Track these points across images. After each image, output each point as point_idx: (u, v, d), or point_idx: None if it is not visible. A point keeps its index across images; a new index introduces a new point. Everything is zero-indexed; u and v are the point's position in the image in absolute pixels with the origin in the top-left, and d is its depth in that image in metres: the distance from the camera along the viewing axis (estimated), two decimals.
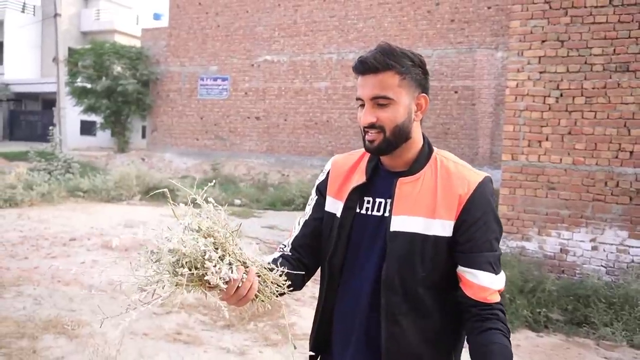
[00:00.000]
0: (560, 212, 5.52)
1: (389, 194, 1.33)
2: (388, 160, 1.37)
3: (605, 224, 5.33)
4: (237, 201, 11.81)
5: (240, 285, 1.15)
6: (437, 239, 1.27)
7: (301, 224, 1.49)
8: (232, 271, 1.13)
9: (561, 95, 5.49)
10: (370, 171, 1.39)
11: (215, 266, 1.11)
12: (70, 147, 17.49)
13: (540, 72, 5.59)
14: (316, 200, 1.49)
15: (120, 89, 18.22)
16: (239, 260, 1.16)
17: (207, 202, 1.19)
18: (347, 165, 1.46)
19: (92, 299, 4.66)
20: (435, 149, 1.39)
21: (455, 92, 14.24)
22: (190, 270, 1.10)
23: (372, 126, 1.29)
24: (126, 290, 1.14)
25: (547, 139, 5.56)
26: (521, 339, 4.46)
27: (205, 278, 1.10)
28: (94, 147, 25.58)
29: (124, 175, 11.64)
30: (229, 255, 1.15)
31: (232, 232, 1.17)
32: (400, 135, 1.30)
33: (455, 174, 1.31)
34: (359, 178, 1.40)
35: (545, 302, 4.85)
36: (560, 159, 5.51)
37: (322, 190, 1.48)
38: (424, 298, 1.29)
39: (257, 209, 11.30)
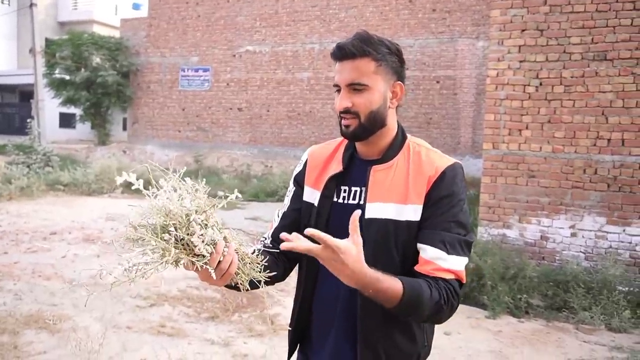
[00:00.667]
0: (540, 200, 5.60)
1: (363, 182, 1.35)
2: (363, 148, 1.39)
3: (584, 211, 5.42)
4: (220, 193, 11.74)
5: (221, 259, 1.13)
6: (409, 224, 1.29)
7: (280, 215, 1.50)
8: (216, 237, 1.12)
9: (540, 84, 5.55)
10: (346, 160, 1.41)
11: (200, 230, 1.10)
12: (50, 140, 17.23)
13: (520, 61, 5.64)
14: (294, 192, 1.50)
15: (99, 81, 17.93)
16: (220, 232, 1.15)
17: (184, 179, 1.18)
18: (324, 155, 1.47)
19: (74, 293, 4.62)
20: (408, 136, 1.41)
21: (437, 81, 14.30)
22: (176, 232, 1.09)
23: (347, 111, 1.30)
24: (112, 273, 1.09)
25: (527, 128, 5.62)
26: (503, 324, 4.53)
27: (192, 240, 1.08)
28: (73, 140, 25.19)
29: (104, 168, 11.50)
30: (212, 224, 1.14)
31: (213, 204, 1.16)
32: (375, 121, 1.32)
33: (426, 160, 1.34)
34: (336, 167, 1.41)
35: (526, 289, 4.93)
36: (540, 147, 5.57)
37: (299, 181, 1.49)
38: None
39: (241, 201, 11.27)
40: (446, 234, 1.27)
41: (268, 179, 13.01)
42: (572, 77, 5.41)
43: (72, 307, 4.32)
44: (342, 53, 1.30)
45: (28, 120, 14.17)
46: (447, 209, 1.28)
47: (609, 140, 5.29)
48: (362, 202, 1.34)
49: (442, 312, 1.24)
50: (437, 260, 1.26)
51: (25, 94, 27.22)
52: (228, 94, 17.02)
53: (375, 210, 1.31)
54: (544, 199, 5.58)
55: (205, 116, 17.41)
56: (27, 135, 13.57)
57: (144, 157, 17.06)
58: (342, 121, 1.33)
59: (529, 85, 5.60)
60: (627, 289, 4.83)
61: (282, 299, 4.43)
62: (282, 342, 3.80)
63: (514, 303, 4.77)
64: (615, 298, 4.61)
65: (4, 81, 27.76)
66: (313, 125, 15.71)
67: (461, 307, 4.85)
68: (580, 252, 5.44)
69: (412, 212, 1.29)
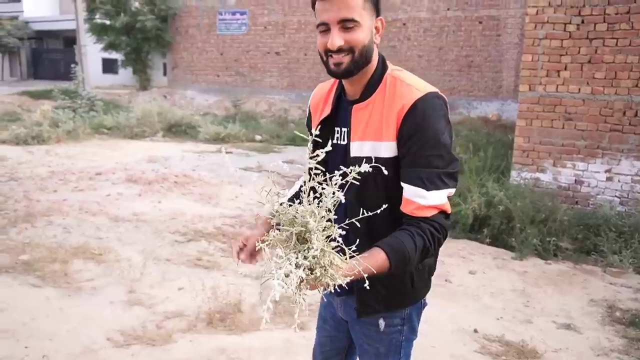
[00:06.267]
0: (577, 143, 5.49)
1: (348, 122, 1.38)
2: (350, 88, 1.40)
3: (622, 155, 5.30)
4: (258, 137, 11.92)
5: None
6: (386, 161, 1.29)
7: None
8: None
9: (582, 22, 5.32)
10: (334, 102, 1.44)
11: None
12: (93, 85, 17.63)
13: None
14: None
15: (139, 25, 18.08)
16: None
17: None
18: (321, 97, 1.52)
19: (118, 228, 4.92)
20: (390, 68, 1.38)
21: (480, 22, 13.77)
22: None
23: (340, 49, 1.28)
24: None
25: (565, 69, 5.45)
26: (529, 265, 4.59)
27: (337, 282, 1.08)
28: (116, 85, 25.74)
29: (146, 113, 11.81)
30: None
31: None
32: (366, 57, 1.31)
33: (399, 94, 1.30)
34: (327, 110, 1.45)
35: (556, 232, 4.93)
36: (579, 89, 5.41)
37: (309, 128, 1.55)
38: (380, 220, 1.26)
39: (278, 145, 11.42)
40: (423, 170, 1.26)
41: (305, 124, 13.06)
42: (616, 13, 5.16)
43: (116, 240, 4.61)
44: None
45: (72, 65, 14.51)
46: (421, 144, 1.26)
47: None
48: (348, 142, 1.38)
49: (430, 252, 1.28)
50: (416, 197, 1.27)
51: (69, 40, 27.75)
52: (266, 38, 16.91)
53: (357, 149, 1.34)
54: (580, 142, 5.47)
55: (244, 60, 17.42)
56: (72, 81, 13.95)
57: (184, 101, 17.35)
58: (331, 60, 1.30)
59: (570, 23, 5.38)
60: None
61: None
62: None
63: (542, 246, 4.79)
64: None
65: (48, 27, 28.34)
66: None
67: (488, 249, 4.93)
68: (615, 196, 5.36)
69: (387, 149, 1.30)
